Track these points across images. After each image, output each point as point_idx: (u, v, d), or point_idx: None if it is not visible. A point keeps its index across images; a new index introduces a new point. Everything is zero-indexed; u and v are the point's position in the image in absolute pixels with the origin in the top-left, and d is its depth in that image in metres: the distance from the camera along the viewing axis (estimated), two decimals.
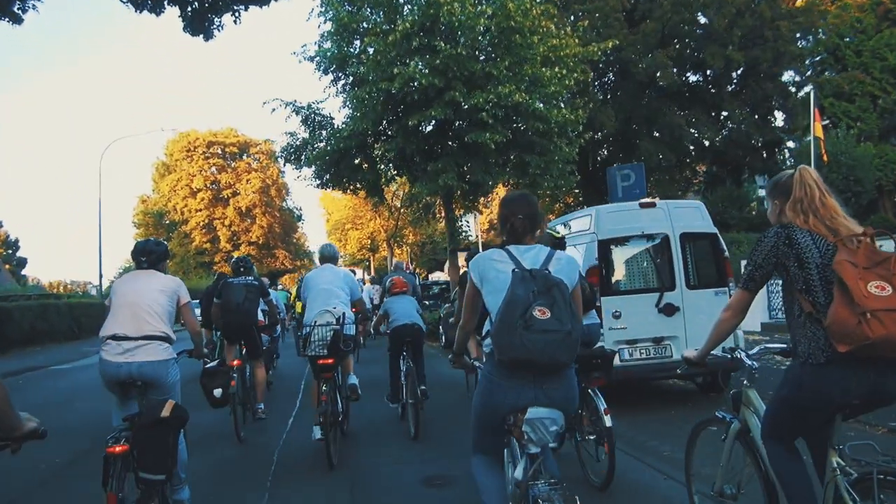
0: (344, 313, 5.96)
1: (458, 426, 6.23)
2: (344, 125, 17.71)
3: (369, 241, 46.32)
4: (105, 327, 4.28)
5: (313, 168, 18.77)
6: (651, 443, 5.99)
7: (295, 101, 18.62)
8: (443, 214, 21.97)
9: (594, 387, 4.80)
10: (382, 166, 19.03)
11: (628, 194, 11.24)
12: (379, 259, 51.90)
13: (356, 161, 18.75)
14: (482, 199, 21.00)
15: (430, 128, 17.85)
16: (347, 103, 18.06)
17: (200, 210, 62.23)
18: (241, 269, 7.60)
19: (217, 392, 5.71)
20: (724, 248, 7.14)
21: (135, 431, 3.58)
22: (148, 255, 4.52)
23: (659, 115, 19.45)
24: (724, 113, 22.57)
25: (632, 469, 5.20)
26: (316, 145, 18.15)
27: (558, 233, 5.44)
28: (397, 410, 7.46)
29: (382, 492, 5.05)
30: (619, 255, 7.09)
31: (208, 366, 5.78)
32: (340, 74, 17.89)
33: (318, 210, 78.11)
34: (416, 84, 15.12)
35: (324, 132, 18.44)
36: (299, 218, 70.62)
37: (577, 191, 30.88)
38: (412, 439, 6.55)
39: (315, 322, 5.87)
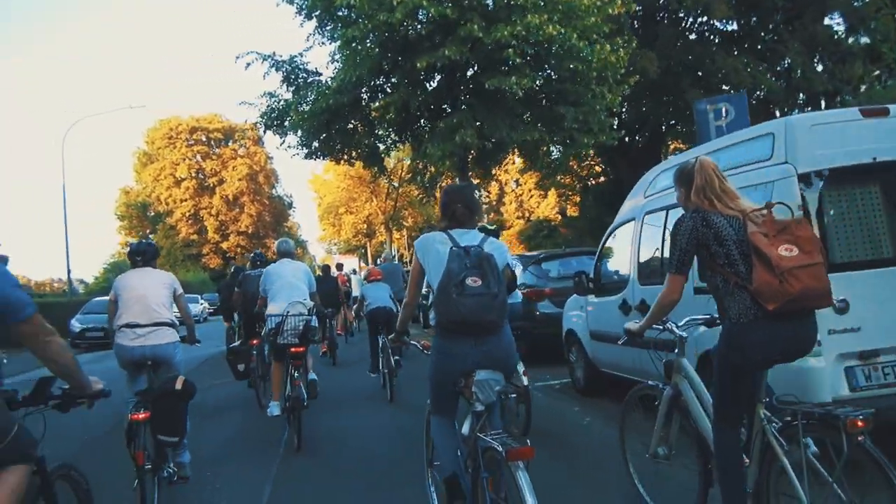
0: (312, 305, 6.51)
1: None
2: (333, 78, 14.58)
3: (365, 226, 42.90)
4: (119, 317, 4.91)
5: (299, 134, 15.63)
6: None
7: (274, 53, 15.49)
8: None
9: None
10: (381, 131, 15.90)
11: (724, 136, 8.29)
12: (375, 245, 48.77)
13: (350, 125, 15.63)
14: (496, 166, 17.91)
15: (436, 80, 14.71)
16: (337, 55, 14.93)
17: (185, 200, 59.23)
18: (258, 263, 8.81)
19: (240, 367, 7.42)
20: None
21: (153, 402, 4.23)
22: (142, 255, 5.17)
23: (708, 60, 16.35)
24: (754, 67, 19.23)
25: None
26: (301, 107, 15.00)
27: (492, 225, 6.62)
28: (378, 380, 8.57)
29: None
30: (833, 202, 4.04)
31: (232, 345, 7.94)
32: (327, 18, 14.70)
33: (309, 195, 75.01)
34: (422, 16, 12.00)
35: (310, 94, 15.26)
36: (290, 205, 67.80)
37: (590, 161, 27.60)
38: (388, 402, 7.69)
39: (288, 312, 6.28)
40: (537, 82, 12.47)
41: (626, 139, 21.53)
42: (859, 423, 2.43)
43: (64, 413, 2.95)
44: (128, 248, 5.36)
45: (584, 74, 13.15)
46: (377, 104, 15.39)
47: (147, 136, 60.97)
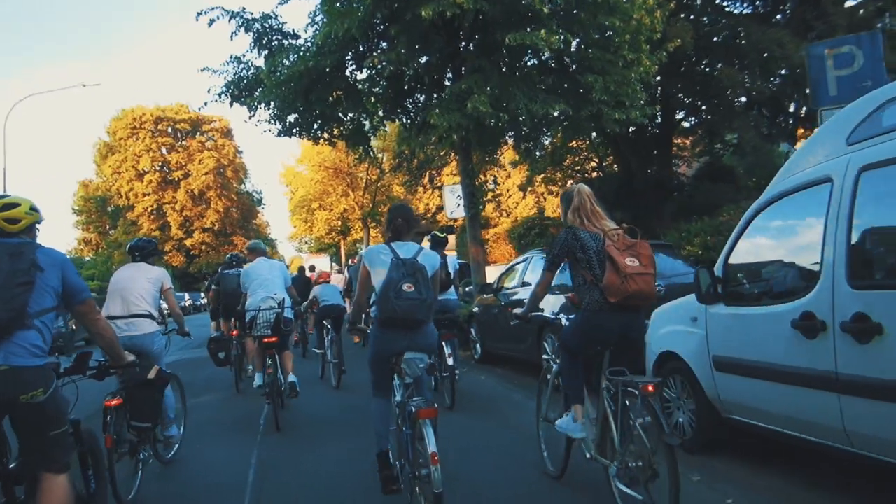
0: (283, 299, 7.09)
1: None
2: (313, 39, 12.19)
3: (340, 223, 40.11)
4: (103, 310, 5.02)
5: (272, 106, 13.17)
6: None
7: (243, 9, 13.02)
8: (441, 181, 16.53)
9: (446, 339, 7.19)
10: (369, 105, 13.50)
11: (850, 90, 6.12)
12: (349, 243, 46.17)
13: (332, 95, 13.20)
14: (498, 150, 15.61)
15: (431, 47, 12.37)
16: (318, 14, 12.56)
17: (148, 194, 56.25)
18: (234, 263, 9.79)
19: (221, 355, 8.48)
20: None
21: (127, 390, 4.53)
22: (140, 251, 5.61)
23: (743, 34, 14.19)
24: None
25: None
26: (276, 74, 12.53)
27: (442, 234, 8.21)
28: (327, 369, 9.46)
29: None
30: None
31: (213, 336, 9.22)
32: None
33: (280, 190, 71.77)
34: None
35: (285, 60, 12.81)
36: (259, 202, 64.93)
37: (584, 154, 25.30)
38: (335, 389, 8.70)
39: (260, 307, 6.97)
40: (568, 40, 10.18)
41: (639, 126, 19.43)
42: (650, 388, 3.43)
43: (99, 381, 3.84)
44: (128, 245, 5.90)
45: (616, 36, 10.96)
46: (365, 73, 13.07)
47: (110, 126, 57.79)
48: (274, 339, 6.76)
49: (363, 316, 7.33)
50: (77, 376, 3.45)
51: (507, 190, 51.33)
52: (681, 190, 20.54)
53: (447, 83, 12.50)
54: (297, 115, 13.33)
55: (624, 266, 3.61)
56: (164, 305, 5.83)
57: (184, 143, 58.78)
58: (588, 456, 3.92)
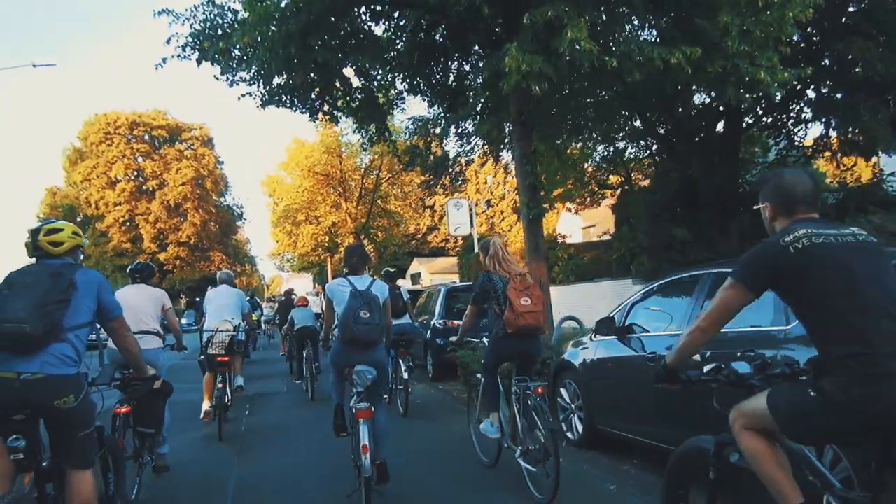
0: (239, 324, 8.01)
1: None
2: None
3: (327, 238, 35.94)
4: None
5: (255, 63, 9.45)
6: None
7: None
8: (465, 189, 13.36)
9: (402, 357, 8.48)
10: (392, 61, 9.83)
11: None
12: (336, 262, 42.30)
13: (342, 49, 9.52)
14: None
15: None
16: None
17: (120, 204, 52.22)
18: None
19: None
20: None
21: (135, 398, 4.77)
22: (140, 273, 6.22)
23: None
24: None
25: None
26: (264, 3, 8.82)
27: (393, 268, 10.10)
28: (302, 385, 10.92)
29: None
30: None
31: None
32: None
33: (263, 200, 67.48)
34: None
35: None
36: (240, 217, 60.94)
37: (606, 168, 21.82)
38: (310, 400, 9.83)
39: (217, 328, 7.77)
40: None
41: (704, 123, 15.94)
42: (539, 390, 4.72)
43: (122, 391, 4.55)
44: (129, 268, 6.46)
45: None
46: (382, 26, 9.51)
47: (82, 131, 53.84)
48: (226, 357, 7.62)
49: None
50: (103, 386, 3.92)
51: (501, 212, 48.07)
52: (749, 204, 17.04)
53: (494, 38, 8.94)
54: (289, 74, 9.60)
55: (518, 305, 4.88)
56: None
57: (161, 151, 54.91)
58: (506, 445, 5.18)
